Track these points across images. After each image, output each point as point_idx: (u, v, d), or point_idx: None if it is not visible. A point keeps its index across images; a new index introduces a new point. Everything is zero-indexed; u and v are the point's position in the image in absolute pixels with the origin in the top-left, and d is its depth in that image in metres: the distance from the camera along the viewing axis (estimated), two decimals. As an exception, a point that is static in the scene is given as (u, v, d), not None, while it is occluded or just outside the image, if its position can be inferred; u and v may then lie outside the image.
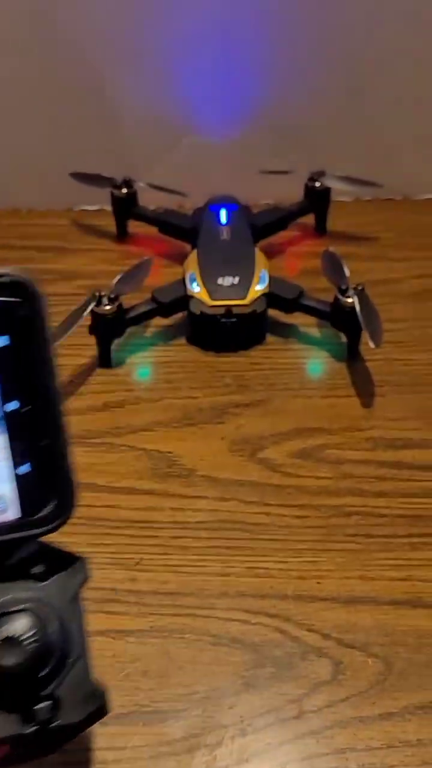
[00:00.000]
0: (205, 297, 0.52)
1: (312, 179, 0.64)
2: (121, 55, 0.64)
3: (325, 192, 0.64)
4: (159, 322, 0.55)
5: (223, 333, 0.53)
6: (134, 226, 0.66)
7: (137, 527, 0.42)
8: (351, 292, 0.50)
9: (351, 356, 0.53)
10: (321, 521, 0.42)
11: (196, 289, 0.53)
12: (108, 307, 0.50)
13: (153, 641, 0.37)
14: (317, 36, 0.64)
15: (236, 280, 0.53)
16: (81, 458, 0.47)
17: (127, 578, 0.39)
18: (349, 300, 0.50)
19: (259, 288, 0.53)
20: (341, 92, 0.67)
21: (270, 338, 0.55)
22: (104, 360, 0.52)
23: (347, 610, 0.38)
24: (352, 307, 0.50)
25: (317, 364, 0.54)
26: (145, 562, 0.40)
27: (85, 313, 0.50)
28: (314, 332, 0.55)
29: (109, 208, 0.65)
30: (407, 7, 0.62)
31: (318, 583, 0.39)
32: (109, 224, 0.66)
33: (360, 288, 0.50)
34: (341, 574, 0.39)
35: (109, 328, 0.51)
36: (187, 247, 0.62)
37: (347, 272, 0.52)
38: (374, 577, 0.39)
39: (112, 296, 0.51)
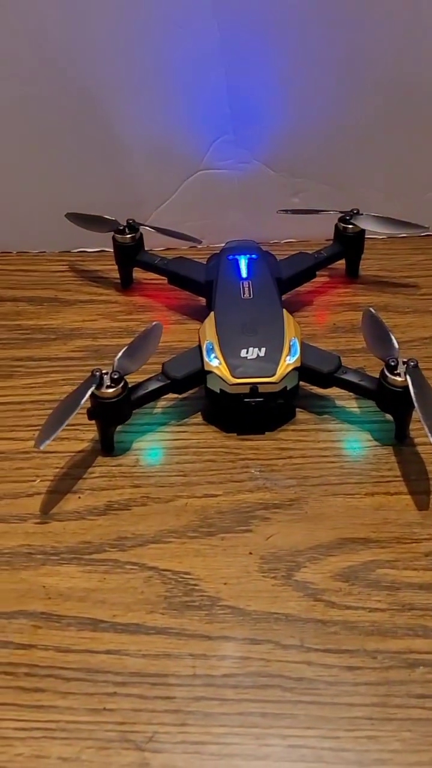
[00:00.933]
0: (226, 373, 0.44)
1: (344, 220, 0.56)
2: (127, 82, 0.55)
3: (359, 235, 0.56)
4: (172, 395, 0.47)
5: (247, 413, 0.45)
6: (140, 271, 0.58)
7: (148, 684, 0.34)
8: (401, 368, 0.42)
9: (399, 439, 0.45)
10: (378, 675, 0.34)
11: (214, 363, 0.44)
12: (111, 390, 0.42)
13: None
14: (343, 57, 0.55)
15: (262, 351, 0.44)
16: (78, 581, 0.38)
17: (137, 763, 0.31)
18: (399, 379, 0.42)
19: (290, 361, 0.44)
20: (372, 118, 0.58)
21: (301, 415, 0.47)
22: (106, 447, 0.44)
23: None
24: (404, 388, 0.42)
25: (358, 448, 0.45)
26: (159, 737, 0.32)
27: (84, 399, 0.41)
28: (353, 407, 0.47)
29: (112, 249, 0.57)
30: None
31: (381, 771, 0.31)
32: (113, 268, 0.58)
33: (413, 364, 0.42)
34: (409, 757, 0.31)
35: (113, 414, 0.43)
36: (202, 299, 0.55)
37: (395, 342, 0.44)
38: (453, 761, 0.32)
39: (116, 375, 0.42)
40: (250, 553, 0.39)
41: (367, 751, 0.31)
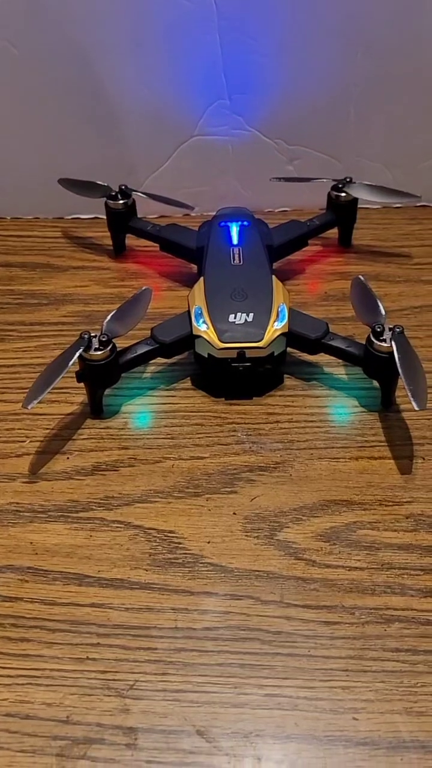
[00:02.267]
0: (213, 338, 0.44)
1: (337, 188, 0.56)
2: (120, 46, 0.55)
3: (352, 203, 0.56)
4: (160, 359, 0.47)
5: (235, 378, 0.45)
6: (133, 238, 0.58)
7: (131, 636, 0.35)
8: (387, 335, 0.43)
9: (385, 405, 0.45)
10: (354, 630, 0.35)
11: (203, 327, 0.45)
12: (99, 352, 0.42)
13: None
14: (339, 24, 0.54)
15: (250, 317, 0.45)
16: (65, 538, 0.39)
17: (118, 708, 0.32)
18: (385, 345, 0.42)
19: (277, 326, 0.45)
20: (368, 86, 0.58)
21: (289, 381, 0.47)
22: (95, 409, 0.45)
23: (391, 761, 0.30)
24: (389, 354, 0.42)
25: (345, 414, 0.46)
26: (140, 685, 0.33)
27: (72, 361, 0.42)
28: (340, 374, 0.47)
29: (105, 216, 0.57)
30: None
31: (354, 719, 0.32)
32: (106, 235, 0.58)
33: (398, 330, 0.42)
34: (382, 706, 0.32)
35: (101, 377, 0.43)
36: (194, 266, 0.55)
37: (383, 309, 0.44)
38: (424, 711, 0.32)
39: (104, 338, 0.43)
40: (235, 514, 0.40)
41: (341, 700, 0.32)
